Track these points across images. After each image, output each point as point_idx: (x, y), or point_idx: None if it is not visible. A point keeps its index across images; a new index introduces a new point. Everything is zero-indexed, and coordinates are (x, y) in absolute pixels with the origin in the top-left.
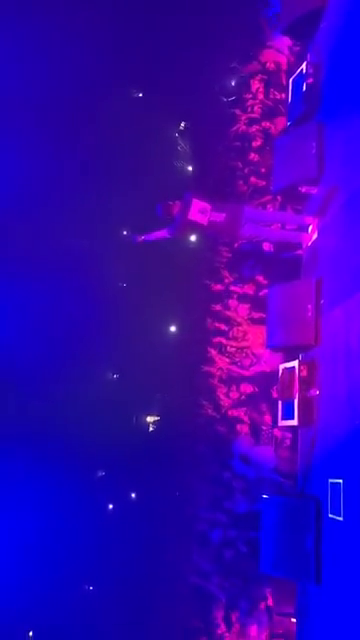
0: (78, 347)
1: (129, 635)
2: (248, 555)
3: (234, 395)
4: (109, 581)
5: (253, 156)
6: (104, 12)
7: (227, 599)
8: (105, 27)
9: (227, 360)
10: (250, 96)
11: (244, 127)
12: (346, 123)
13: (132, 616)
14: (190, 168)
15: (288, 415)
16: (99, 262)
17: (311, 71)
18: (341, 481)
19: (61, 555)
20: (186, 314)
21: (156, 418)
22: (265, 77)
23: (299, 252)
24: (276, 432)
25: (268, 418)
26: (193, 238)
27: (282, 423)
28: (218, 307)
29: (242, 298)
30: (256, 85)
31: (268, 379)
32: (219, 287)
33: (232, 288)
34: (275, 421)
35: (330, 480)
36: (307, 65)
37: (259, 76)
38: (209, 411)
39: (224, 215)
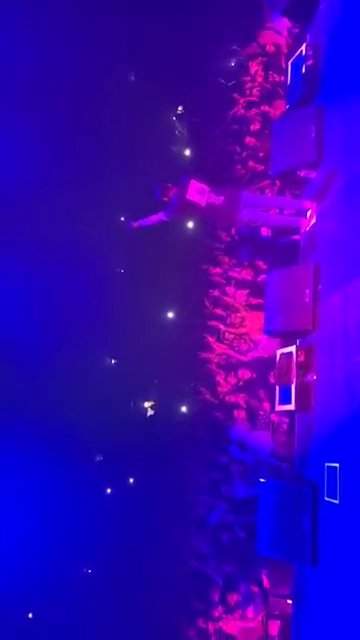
0: (76, 332)
1: (127, 617)
2: (245, 538)
3: (232, 381)
4: (108, 564)
5: (251, 140)
6: None
7: (224, 581)
8: (102, 9)
9: (225, 346)
10: (249, 79)
11: (242, 110)
12: (346, 106)
13: (130, 598)
14: (188, 152)
15: (285, 400)
16: (97, 248)
17: (310, 53)
18: (338, 465)
19: (60, 538)
20: (184, 300)
21: (154, 403)
22: (264, 59)
23: (297, 237)
24: (273, 417)
25: (266, 404)
26: (190, 224)
27: (279, 408)
28: (216, 293)
29: (240, 284)
30: (255, 68)
31: (266, 365)
32: (217, 272)
33: (230, 274)
34: (273, 406)
35: (327, 464)
36: (306, 47)
37: (258, 58)
38: (207, 396)
39: (222, 198)
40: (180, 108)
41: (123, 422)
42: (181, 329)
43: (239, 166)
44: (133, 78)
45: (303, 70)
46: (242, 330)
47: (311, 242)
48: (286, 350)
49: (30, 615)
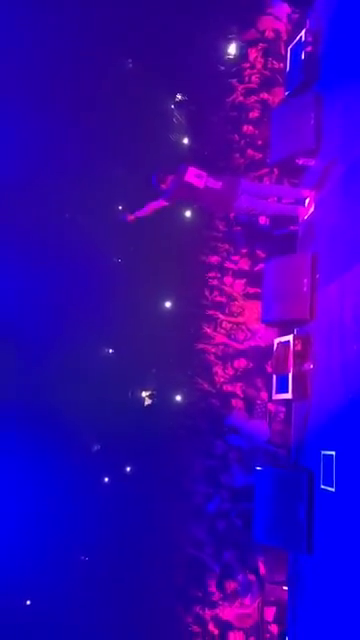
0: (74, 322)
1: (125, 604)
2: (242, 526)
3: (230, 371)
4: (105, 552)
5: (249, 128)
6: None
7: (221, 568)
8: None
9: (223, 335)
10: (248, 65)
11: (241, 98)
12: (345, 93)
13: (128, 586)
14: (186, 141)
15: (282, 389)
16: (95, 237)
17: (310, 39)
18: (334, 453)
19: (57, 526)
20: (182, 289)
21: (151, 392)
22: (263, 46)
23: (294, 227)
24: (270, 406)
25: (263, 393)
26: (188, 213)
27: (276, 397)
28: (214, 282)
29: (237, 273)
30: (254, 54)
31: (263, 354)
32: (215, 260)
33: (227, 264)
34: (270, 395)
35: (323, 452)
36: (306, 33)
37: (257, 45)
38: (204, 386)
39: (220, 184)
40: (179, 95)
41: (121, 411)
42: (179, 318)
43: (237, 154)
44: (131, 65)
45: (302, 56)
46: (240, 319)
47: (309, 231)
48: (283, 339)
49: (28, 602)
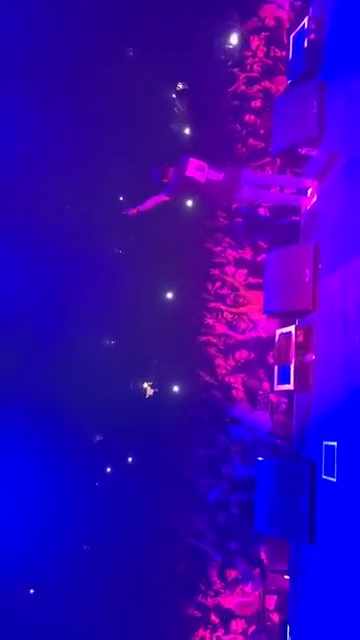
0: (75, 313)
1: (127, 593)
2: (243, 516)
3: (231, 362)
4: (108, 542)
5: (252, 117)
6: None
7: (222, 558)
8: None
9: (224, 326)
10: (250, 54)
11: (243, 87)
12: (349, 82)
13: (130, 575)
14: (187, 131)
15: (284, 380)
16: (96, 228)
17: (313, 27)
18: (335, 443)
19: (60, 516)
20: (183, 279)
21: (153, 384)
22: (266, 34)
23: (294, 218)
24: (272, 397)
25: (265, 384)
26: (190, 204)
27: (278, 387)
28: (216, 272)
29: (239, 263)
30: (256, 42)
31: (265, 345)
32: (217, 251)
33: (229, 252)
34: (272, 386)
35: (325, 442)
36: (309, 20)
37: (259, 33)
38: (206, 378)
39: (222, 175)
40: (180, 85)
41: (123, 402)
42: (180, 309)
43: (239, 144)
44: (132, 53)
45: (305, 45)
46: (241, 309)
47: (311, 221)
48: (285, 330)
49: (32, 591)
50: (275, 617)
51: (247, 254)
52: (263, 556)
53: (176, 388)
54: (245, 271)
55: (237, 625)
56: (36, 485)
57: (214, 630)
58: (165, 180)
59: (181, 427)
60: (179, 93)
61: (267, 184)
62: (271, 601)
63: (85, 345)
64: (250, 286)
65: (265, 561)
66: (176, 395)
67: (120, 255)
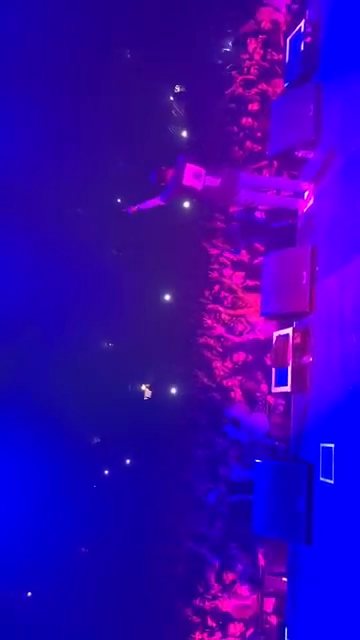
0: (74, 315)
1: (125, 596)
2: (241, 518)
3: (229, 364)
4: (106, 544)
5: (249, 120)
6: None
7: (220, 560)
8: None
9: (222, 329)
10: (247, 57)
11: (240, 89)
12: (345, 84)
13: (128, 578)
14: (185, 134)
15: (281, 382)
16: (95, 230)
17: (310, 30)
18: (333, 445)
19: (58, 518)
20: (181, 282)
21: (150, 385)
22: (262, 37)
23: (290, 221)
24: (269, 399)
25: (263, 385)
26: (187, 204)
27: (276, 389)
28: (214, 274)
29: (236, 266)
30: (253, 45)
31: (263, 347)
32: (214, 254)
33: (226, 255)
34: (269, 388)
35: (322, 444)
36: (305, 23)
37: (256, 36)
38: (204, 379)
39: (219, 180)
40: (178, 87)
41: (120, 404)
42: (178, 311)
43: (236, 147)
44: (129, 56)
45: (302, 47)
46: (239, 312)
47: (308, 223)
48: (283, 332)
49: (29, 594)
50: (273, 620)
51: (244, 257)
52: (261, 558)
53: (174, 390)
54: (242, 274)
55: (235, 628)
56: (33, 487)
57: (211, 633)
58: (163, 184)
59: (179, 429)
60: (177, 96)
61: (264, 187)
62: (269, 604)
63: (83, 347)
64: (247, 289)
65: (263, 563)
66: (174, 397)
67: (118, 257)
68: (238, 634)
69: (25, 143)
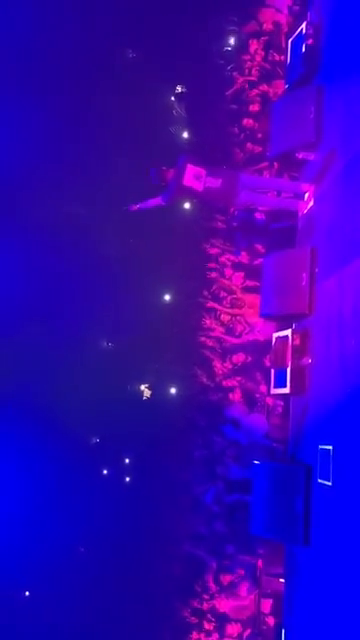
0: (73, 314)
1: (122, 597)
2: (239, 518)
3: (228, 365)
4: (104, 545)
5: (249, 121)
6: None
7: (218, 560)
8: None
9: (222, 329)
10: (248, 58)
11: (241, 90)
12: (346, 86)
13: (126, 579)
14: (185, 134)
15: (280, 383)
16: (96, 230)
17: (311, 32)
18: (331, 447)
19: (55, 518)
20: (181, 282)
21: (149, 386)
22: (264, 38)
23: (290, 222)
24: (268, 400)
25: (262, 387)
26: (187, 205)
27: (274, 391)
28: (214, 275)
29: (236, 267)
30: (254, 46)
31: (262, 348)
32: (214, 254)
33: (227, 256)
34: (268, 389)
35: (320, 446)
36: (307, 25)
37: (257, 37)
38: (203, 379)
39: (220, 181)
40: (179, 87)
41: (120, 403)
42: (178, 310)
43: (237, 148)
44: (131, 55)
45: (303, 49)
46: (238, 312)
47: (308, 225)
48: (282, 334)
49: (27, 593)
50: (271, 621)
51: (244, 257)
52: (259, 559)
53: (173, 390)
54: (242, 274)
55: (232, 629)
56: (32, 486)
57: (209, 634)
58: (163, 184)
59: (178, 429)
60: (178, 96)
61: (264, 188)
62: (267, 605)
63: (83, 346)
64: (247, 289)
65: (261, 564)
66: (173, 397)
67: (117, 255)
68: (235, 635)
69: (26, 144)
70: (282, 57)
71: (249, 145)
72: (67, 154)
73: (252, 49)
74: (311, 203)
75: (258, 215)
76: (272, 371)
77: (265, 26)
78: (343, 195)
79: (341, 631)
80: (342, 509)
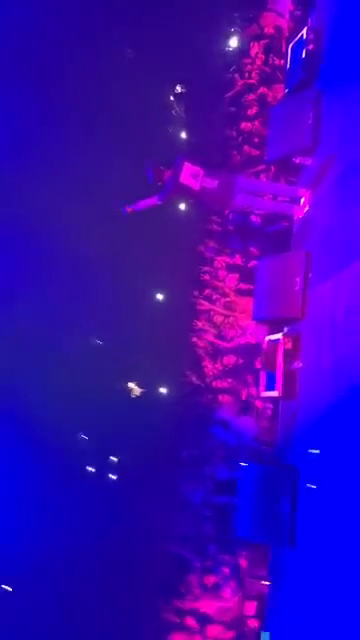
0: (65, 312)
1: (106, 597)
2: (225, 520)
3: (219, 366)
4: (88, 543)
5: (247, 124)
6: None
7: (203, 562)
8: None
9: (214, 331)
10: (249, 61)
11: (240, 93)
12: (345, 93)
13: (110, 580)
14: (184, 135)
15: (271, 386)
16: (90, 229)
17: (312, 37)
18: (318, 451)
19: (40, 518)
20: (174, 282)
21: (139, 385)
22: (265, 42)
23: (285, 224)
24: (258, 403)
25: (253, 389)
26: (183, 207)
27: (264, 394)
28: (207, 277)
29: (231, 269)
30: (255, 50)
31: (253, 351)
32: (208, 256)
33: (222, 257)
34: (258, 392)
35: (309, 450)
36: (308, 31)
37: (258, 40)
38: (193, 379)
39: (217, 182)
40: (178, 87)
41: (108, 402)
42: (171, 311)
43: (235, 151)
44: (131, 55)
45: (303, 55)
46: (230, 313)
47: (304, 229)
48: (274, 337)
49: (9, 589)
50: (254, 623)
51: (238, 260)
52: (243, 561)
53: (163, 390)
54: (236, 276)
55: (214, 630)
56: (18, 486)
57: (191, 634)
58: (160, 183)
59: (167, 429)
60: (177, 96)
61: (261, 191)
62: (251, 607)
63: (73, 344)
64: (241, 292)
65: (245, 566)
66: (163, 396)
67: (110, 254)
68: (218, 637)
69: (22, 142)
70: (282, 61)
71: (246, 148)
72: (65, 151)
73: (253, 52)
74: (307, 207)
75: (254, 218)
76: (263, 374)
77: (266, 30)
78: (339, 200)
79: (325, 633)
80: (328, 512)
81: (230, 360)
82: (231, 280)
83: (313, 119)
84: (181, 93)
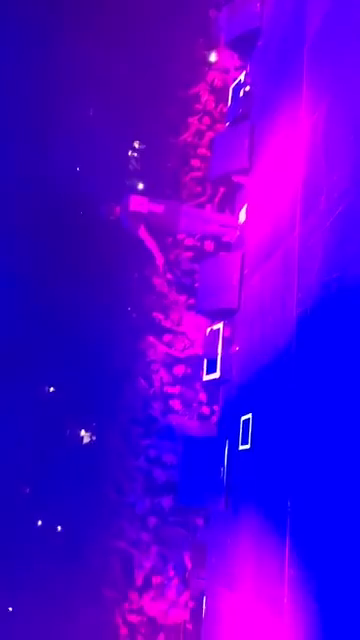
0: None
1: (51, 593)
2: (170, 522)
3: (170, 377)
4: (37, 544)
5: (196, 162)
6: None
7: (149, 564)
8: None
9: (164, 346)
10: (200, 107)
11: (192, 138)
12: (269, 122)
13: (58, 584)
14: (141, 186)
15: (211, 370)
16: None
17: (249, 80)
18: (250, 415)
19: None
20: (126, 303)
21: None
22: (212, 96)
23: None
24: (204, 409)
25: (202, 395)
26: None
27: (206, 377)
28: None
29: (180, 289)
30: (205, 98)
31: (201, 361)
32: (157, 281)
33: (168, 277)
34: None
35: (242, 417)
36: (245, 75)
37: (206, 96)
38: (144, 385)
39: (162, 207)
40: (137, 144)
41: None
42: (123, 330)
43: (183, 185)
44: (91, 113)
45: (241, 94)
46: (181, 329)
47: (241, 236)
48: (215, 327)
49: None
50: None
51: (187, 280)
52: (188, 561)
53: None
54: (185, 296)
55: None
56: None
57: (134, 632)
58: (112, 217)
59: (117, 436)
60: (136, 151)
61: (201, 218)
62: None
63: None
64: (189, 307)
65: (189, 566)
66: (112, 407)
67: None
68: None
69: None
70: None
71: (191, 183)
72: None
73: (203, 100)
74: (243, 218)
75: (208, 245)
76: (205, 360)
77: (214, 83)
78: (268, 211)
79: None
80: (259, 469)
81: (180, 370)
82: (180, 298)
83: (248, 144)
84: (140, 149)
